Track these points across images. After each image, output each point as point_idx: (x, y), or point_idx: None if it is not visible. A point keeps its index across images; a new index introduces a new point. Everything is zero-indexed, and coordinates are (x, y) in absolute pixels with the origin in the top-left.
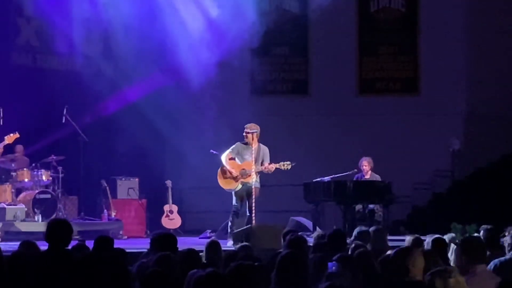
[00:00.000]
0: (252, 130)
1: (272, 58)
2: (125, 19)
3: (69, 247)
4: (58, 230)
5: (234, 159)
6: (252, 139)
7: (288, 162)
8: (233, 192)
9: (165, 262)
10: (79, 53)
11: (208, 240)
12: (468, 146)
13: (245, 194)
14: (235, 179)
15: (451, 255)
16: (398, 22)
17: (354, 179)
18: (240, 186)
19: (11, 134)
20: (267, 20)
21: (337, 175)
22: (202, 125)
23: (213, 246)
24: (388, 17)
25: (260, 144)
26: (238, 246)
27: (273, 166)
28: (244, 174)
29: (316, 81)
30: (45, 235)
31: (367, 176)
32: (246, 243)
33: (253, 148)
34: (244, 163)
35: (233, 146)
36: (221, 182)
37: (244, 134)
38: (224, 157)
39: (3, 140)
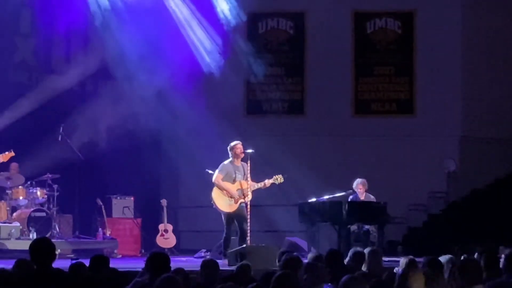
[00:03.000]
0: (248, 150)
1: (268, 78)
2: (121, 39)
3: (68, 266)
4: (39, 249)
5: (222, 179)
6: (241, 159)
7: (280, 176)
8: (224, 212)
9: (169, 285)
10: (75, 71)
11: (204, 259)
12: (463, 167)
13: (238, 213)
14: (236, 201)
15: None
16: (394, 43)
17: (349, 200)
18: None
19: (6, 153)
20: (263, 41)
21: (332, 195)
22: (198, 144)
23: (210, 266)
24: (384, 38)
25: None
26: (236, 265)
27: (269, 182)
28: (241, 194)
29: (312, 101)
30: (30, 256)
31: (362, 197)
32: (243, 262)
33: (247, 167)
34: (239, 182)
35: (221, 167)
36: (222, 205)
37: (239, 153)
38: (219, 180)
39: None
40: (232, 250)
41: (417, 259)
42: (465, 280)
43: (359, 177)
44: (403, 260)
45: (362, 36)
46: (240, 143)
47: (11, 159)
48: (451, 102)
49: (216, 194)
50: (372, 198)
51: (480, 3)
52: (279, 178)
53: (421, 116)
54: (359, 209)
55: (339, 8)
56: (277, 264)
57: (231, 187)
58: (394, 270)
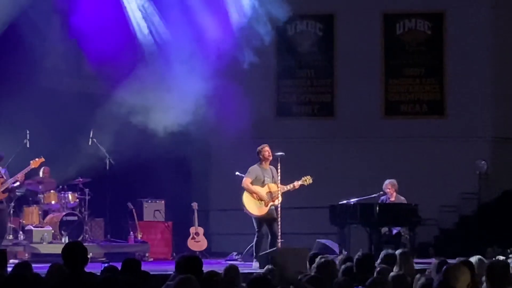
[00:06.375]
0: (278, 153)
1: (297, 80)
2: (149, 44)
3: (100, 269)
4: (72, 253)
5: (251, 183)
6: (269, 162)
7: (308, 177)
8: (255, 216)
9: (186, 285)
10: (104, 76)
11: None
12: (494, 168)
13: (268, 216)
14: (266, 204)
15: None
16: (424, 44)
17: (379, 201)
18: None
19: (37, 159)
20: (293, 42)
21: (363, 197)
22: (228, 147)
23: (231, 271)
24: (414, 39)
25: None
26: (264, 269)
27: (298, 183)
28: (271, 197)
29: (342, 103)
30: (63, 260)
31: (392, 199)
32: (272, 266)
33: (275, 170)
34: (268, 185)
35: (250, 171)
36: (252, 208)
37: (267, 156)
38: (248, 184)
39: (28, 164)
40: (263, 253)
41: (449, 261)
42: (493, 282)
43: (389, 179)
44: (435, 262)
45: (392, 37)
46: (268, 146)
47: (43, 163)
48: (482, 103)
49: (246, 198)
50: (402, 199)
51: (510, 3)
52: (307, 179)
53: (452, 117)
54: (390, 211)
55: (368, 9)
56: (308, 267)
57: (261, 190)
58: (426, 272)
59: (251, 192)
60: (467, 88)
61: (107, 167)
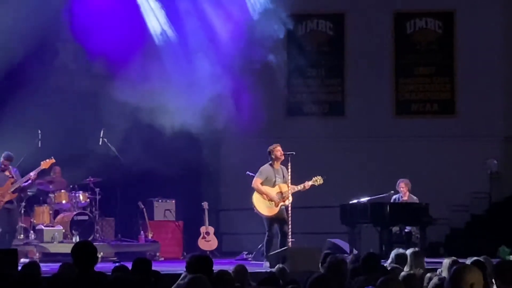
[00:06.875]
0: (288, 152)
1: (308, 79)
2: (160, 43)
3: (111, 269)
4: (81, 253)
5: (262, 183)
6: (281, 161)
7: (319, 177)
8: (265, 216)
9: (197, 285)
10: (115, 75)
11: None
12: (506, 168)
13: (278, 216)
14: (276, 204)
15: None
16: (435, 43)
17: (392, 200)
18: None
19: (47, 160)
20: (304, 42)
21: (374, 197)
22: (238, 146)
23: (239, 271)
24: (425, 38)
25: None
26: (275, 268)
27: (308, 184)
28: (281, 197)
29: (352, 102)
30: (72, 260)
31: (405, 198)
32: (283, 265)
33: (286, 170)
34: (278, 185)
35: (261, 171)
36: (262, 209)
37: (279, 156)
38: (258, 185)
39: (39, 165)
40: (273, 253)
41: (460, 260)
42: (501, 282)
43: (401, 178)
44: (445, 261)
45: (402, 37)
46: (280, 145)
47: (53, 163)
48: (493, 102)
49: (256, 198)
50: (415, 199)
51: None
52: (318, 180)
53: (463, 117)
54: (401, 211)
55: (378, 8)
56: (320, 266)
57: (271, 190)
58: (437, 272)
59: (261, 193)
60: (478, 87)
61: (118, 167)
